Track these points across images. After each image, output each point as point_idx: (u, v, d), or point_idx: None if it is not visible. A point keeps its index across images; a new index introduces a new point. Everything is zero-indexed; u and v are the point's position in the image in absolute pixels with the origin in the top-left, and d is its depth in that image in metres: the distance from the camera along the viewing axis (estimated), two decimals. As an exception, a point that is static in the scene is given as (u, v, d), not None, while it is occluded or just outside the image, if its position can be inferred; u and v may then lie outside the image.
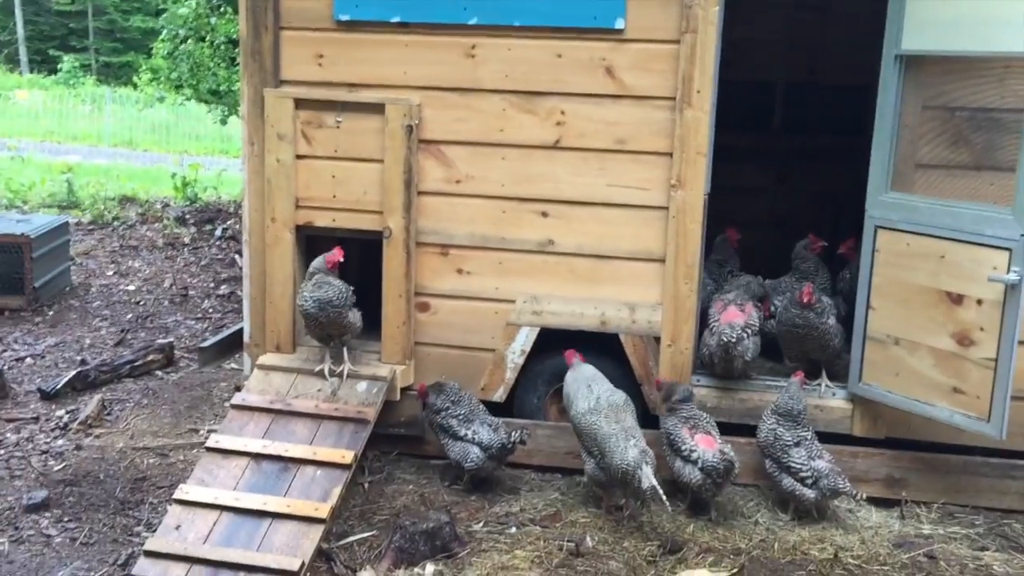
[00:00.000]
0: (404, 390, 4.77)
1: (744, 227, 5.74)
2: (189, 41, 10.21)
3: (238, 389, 4.67)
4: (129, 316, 7.25)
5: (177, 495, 4.00)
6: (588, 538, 4.02)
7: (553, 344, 4.64)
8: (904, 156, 4.33)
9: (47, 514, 4.30)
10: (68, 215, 9.88)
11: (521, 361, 4.74)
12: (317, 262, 4.57)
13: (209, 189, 12.09)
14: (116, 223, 10.35)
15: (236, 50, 9.45)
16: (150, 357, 6.09)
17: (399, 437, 4.83)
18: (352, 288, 4.59)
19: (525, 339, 4.72)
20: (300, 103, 4.71)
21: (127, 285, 8.11)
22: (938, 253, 4.11)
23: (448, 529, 3.95)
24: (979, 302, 3.97)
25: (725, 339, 4.48)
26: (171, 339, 6.53)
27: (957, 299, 4.06)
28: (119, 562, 3.94)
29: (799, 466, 4.17)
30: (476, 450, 4.38)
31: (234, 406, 4.47)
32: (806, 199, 7.04)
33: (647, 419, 4.48)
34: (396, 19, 4.66)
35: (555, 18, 4.52)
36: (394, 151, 4.63)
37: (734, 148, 5.97)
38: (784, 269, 5.40)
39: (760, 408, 4.50)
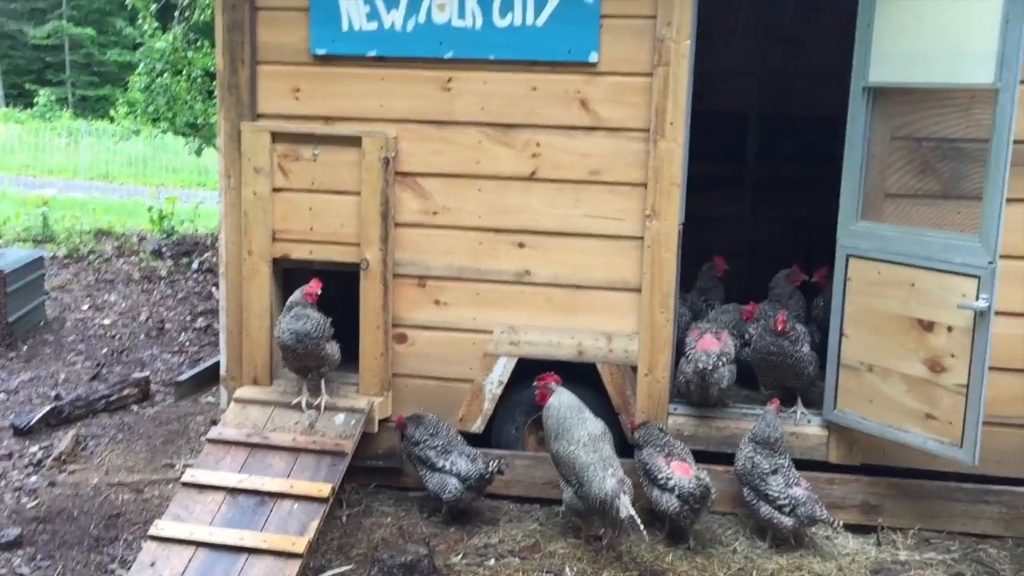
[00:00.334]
0: (382, 422, 4.76)
1: (721, 255, 5.80)
2: (166, 75, 10.22)
3: (214, 423, 4.65)
4: (104, 350, 7.20)
5: (152, 531, 3.97)
6: (567, 569, 4.02)
7: (531, 374, 4.64)
8: (873, 186, 4.40)
9: (20, 552, 4.25)
10: (43, 249, 9.81)
11: (499, 392, 4.75)
12: (295, 295, 4.57)
13: (186, 222, 12.06)
14: (92, 257, 10.28)
15: (213, 83, 9.49)
16: (125, 391, 6.04)
17: (377, 469, 4.81)
18: (330, 320, 4.59)
19: (503, 369, 4.73)
20: (277, 136, 4.73)
21: (102, 319, 8.05)
22: (908, 281, 4.17)
23: (426, 562, 3.93)
24: (949, 329, 4.02)
25: (701, 366, 4.51)
26: (147, 373, 6.48)
27: (928, 326, 4.11)
28: (93, 600, 3.89)
29: (776, 494, 4.19)
30: (454, 481, 4.37)
31: (210, 440, 4.44)
32: (780, 227, 7.13)
33: (624, 448, 4.49)
34: (373, 53, 4.70)
35: (530, 52, 4.58)
36: (371, 183, 4.65)
37: (709, 177, 6.06)
38: (759, 296, 5.45)
39: (737, 436, 4.53)
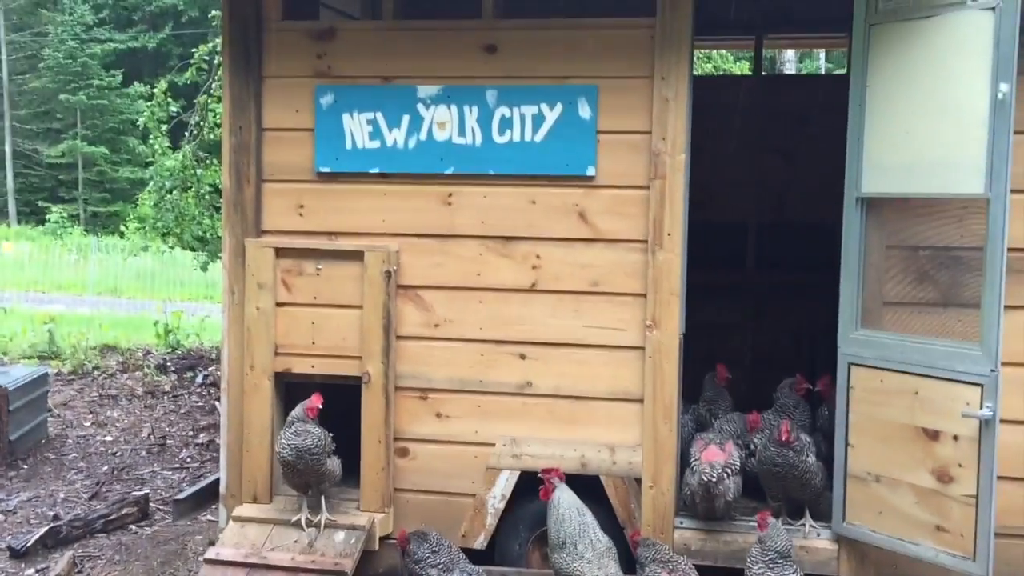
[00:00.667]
0: (383, 539, 4.67)
1: (724, 364, 5.77)
2: (175, 192, 10.44)
3: (212, 543, 4.57)
4: (105, 468, 7.13)
5: (146, 657, 3.86)
6: None
7: (534, 488, 4.58)
8: (872, 294, 4.42)
9: None
10: (48, 365, 9.83)
11: (502, 506, 4.67)
12: (296, 410, 4.55)
13: (192, 336, 12.11)
14: (96, 372, 10.30)
15: (221, 198, 9.67)
16: (124, 511, 5.95)
17: (378, 588, 4.70)
18: (331, 435, 4.56)
19: (505, 483, 4.66)
20: (281, 252, 4.80)
21: (104, 436, 8.00)
22: (912, 389, 4.15)
23: None
24: (955, 438, 3.98)
25: (706, 478, 4.44)
26: (146, 491, 6.40)
27: (934, 435, 4.07)
28: None
29: (788, 611, 4.06)
30: (456, 601, 4.26)
31: (207, 561, 4.36)
32: (783, 335, 7.13)
33: (631, 563, 4.38)
34: (376, 170, 4.81)
35: (529, 167, 4.68)
36: (373, 297, 4.69)
37: (711, 286, 6.09)
38: (764, 405, 5.41)
39: (745, 550, 4.42)
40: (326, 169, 4.84)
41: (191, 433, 8.11)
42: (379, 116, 4.77)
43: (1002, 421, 3.92)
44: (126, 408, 8.94)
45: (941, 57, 4.00)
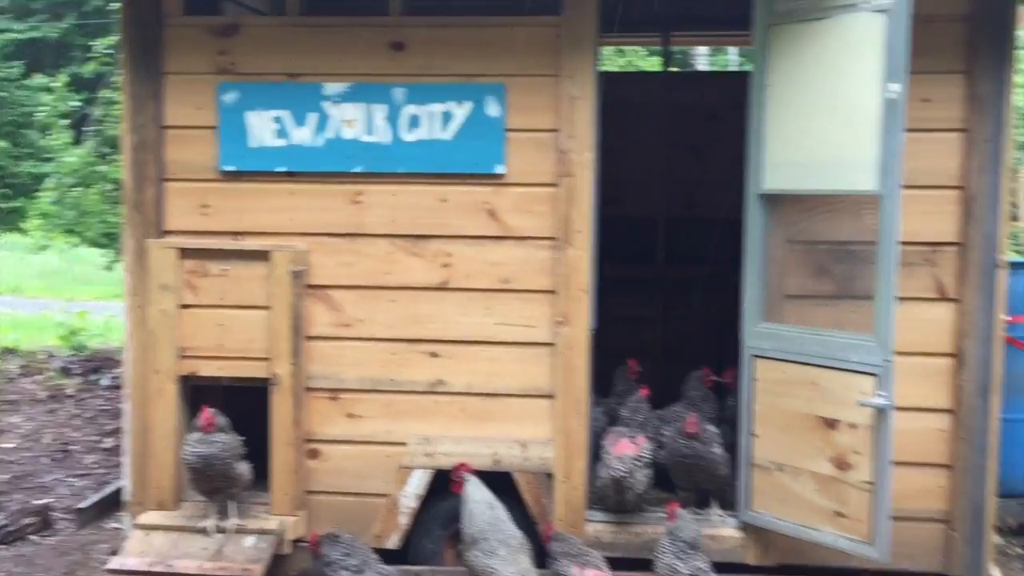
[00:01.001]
0: (295, 542, 4.62)
1: (636, 356, 5.85)
2: (76, 188, 10.12)
3: (114, 553, 4.45)
4: (4, 477, 6.87)
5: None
6: None
7: (448, 486, 4.58)
8: (774, 288, 4.55)
9: None
10: (-57, 370, 9.43)
11: (416, 505, 4.66)
12: (197, 420, 4.46)
13: (97, 336, 11.72)
14: (-5, 377, 9.91)
15: (125, 197, 9.40)
16: (24, 521, 5.74)
17: (290, 592, 4.65)
18: (242, 439, 4.48)
19: (418, 482, 4.65)
20: (185, 253, 4.69)
21: (3, 443, 7.71)
22: (811, 380, 4.28)
23: None
24: (852, 426, 4.12)
25: (616, 472, 4.50)
26: (48, 500, 6.19)
27: (832, 424, 4.20)
28: None
29: (696, 599, 4.14)
30: (370, 602, 4.23)
31: (110, 571, 4.25)
32: (693, 328, 7.26)
33: (544, 557, 4.41)
34: (282, 168, 4.73)
35: (438, 165, 4.67)
36: (281, 297, 4.62)
37: (623, 280, 6.17)
38: (675, 398, 5.50)
39: (655, 540, 4.48)
40: (231, 168, 4.74)
41: (96, 438, 7.88)
42: (285, 114, 4.70)
43: (896, 408, 4.06)
44: (27, 413, 8.62)
45: (835, 58, 4.12)
